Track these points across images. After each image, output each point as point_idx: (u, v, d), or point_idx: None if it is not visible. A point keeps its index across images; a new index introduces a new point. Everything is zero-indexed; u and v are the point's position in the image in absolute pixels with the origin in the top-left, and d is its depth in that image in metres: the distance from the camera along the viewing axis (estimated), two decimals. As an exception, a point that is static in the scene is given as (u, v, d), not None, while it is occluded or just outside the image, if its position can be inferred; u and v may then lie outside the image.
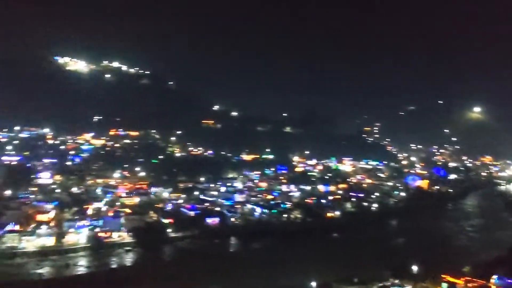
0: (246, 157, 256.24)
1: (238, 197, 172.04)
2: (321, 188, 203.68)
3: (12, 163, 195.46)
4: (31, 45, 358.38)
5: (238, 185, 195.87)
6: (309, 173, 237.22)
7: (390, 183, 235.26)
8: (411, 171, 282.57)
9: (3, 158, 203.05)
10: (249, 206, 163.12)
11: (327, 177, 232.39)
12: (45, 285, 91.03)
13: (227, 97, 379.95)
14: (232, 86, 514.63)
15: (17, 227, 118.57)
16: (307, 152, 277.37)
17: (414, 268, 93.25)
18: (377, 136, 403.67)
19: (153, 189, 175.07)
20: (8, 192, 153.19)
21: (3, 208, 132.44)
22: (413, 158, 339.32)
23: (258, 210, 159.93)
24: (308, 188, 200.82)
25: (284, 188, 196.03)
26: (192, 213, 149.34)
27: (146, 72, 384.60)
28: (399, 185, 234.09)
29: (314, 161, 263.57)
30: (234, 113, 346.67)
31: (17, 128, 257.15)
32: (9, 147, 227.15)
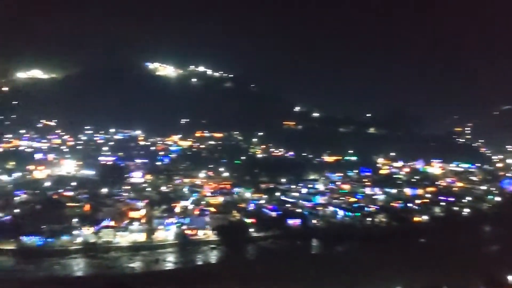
0: (328, 158, 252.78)
1: (320, 199, 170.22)
2: (407, 191, 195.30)
3: (108, 163, 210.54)
4: (125, 53, 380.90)
5: (320, 187, 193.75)
6: (394, 176, 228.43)
7: (483, 187, 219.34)
8: (507, 175, 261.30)
9: (100, 158, 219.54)
10: (331, 208, 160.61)
11: (414, 180, 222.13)
12: (137, 279, 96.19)
13: (309, 98, 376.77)
14: (314, 87, 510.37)
15: (112, 223, 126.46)
16: (392, 154, 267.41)
17: (510, 278, 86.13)
18: (469, 137, 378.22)
19: (236, 189, 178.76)
20: (104, 190, 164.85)
21: (100, 205, 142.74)
22: (509, 161, 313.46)
23: (341, 212, 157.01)
24: (394, 191, 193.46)
25: (367, 190, 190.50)
26: (273, 214, 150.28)
27: (229, 76, 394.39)
28: (494, 189, 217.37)
29: (400, 163, 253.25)
30: (316, 114, 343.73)
31: (112, 130, 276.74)
32: (105, 148, 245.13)
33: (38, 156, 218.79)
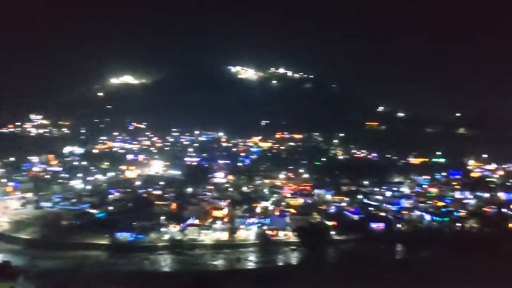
0: (413, 160, 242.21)
1: (405, 203, 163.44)
2: (501, 195, 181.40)
3: (193, 163, 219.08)
4: (209, 58, 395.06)
5: (405, 190, 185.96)
6: (487, 179, 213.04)
7: None
8: None
9: (186, 159, 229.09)
10: (417, 212, 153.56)
11: (510, 184, 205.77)
12: (220, 276, 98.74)
13: (393, 98, 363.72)
14: (398, 86, 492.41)
15: (196, 221, 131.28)
16: (485, 156, 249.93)
17: None
18: None
19: (316, 191, 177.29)
20: (189, 189, 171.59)
21: (186, 204, 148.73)
22: None
23: (427, 217, 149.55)
24: (486, 195, 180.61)
25: (457, 194, 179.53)
26: (355, 217, 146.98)
27: (310, 76, 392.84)
28: None
29: (493, 166, 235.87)
30: (400, 114, 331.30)
31: (197, 132, 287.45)
32: (190, 149, 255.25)
33: (129, 157, 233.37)
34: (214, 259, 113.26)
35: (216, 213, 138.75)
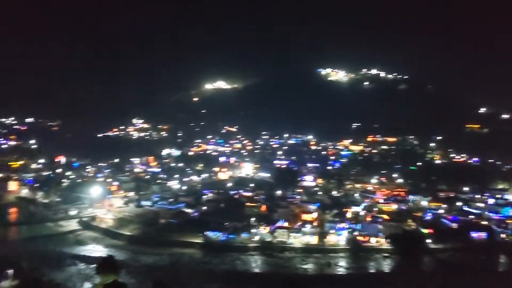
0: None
1: (510, 211, 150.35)
2: None
3: (282, 166, 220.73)
4: (299, 61, 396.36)
5: (510, 197, 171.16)
6: None
7: None
8: None
9: (275, 161, 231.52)
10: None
11: None
12: (310, 280, 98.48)
13: (496, 99, 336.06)
14: (502, 86, 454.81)
15: (286, 224, 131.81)
16: None
17: None
18: None
19: (411, 197, 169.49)
20: (279, 192, 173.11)
21: (275, 206, 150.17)
22: None
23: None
24: None
25: None
26: (454, 225, 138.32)
27: (404, 77, 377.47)
28: None
29: None
30: (505, 116, 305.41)
31: (286, 135, 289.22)
32: (279, 152, 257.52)
33: (222, 159, 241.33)
34: (304, 262, 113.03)
35: (305, 216, 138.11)
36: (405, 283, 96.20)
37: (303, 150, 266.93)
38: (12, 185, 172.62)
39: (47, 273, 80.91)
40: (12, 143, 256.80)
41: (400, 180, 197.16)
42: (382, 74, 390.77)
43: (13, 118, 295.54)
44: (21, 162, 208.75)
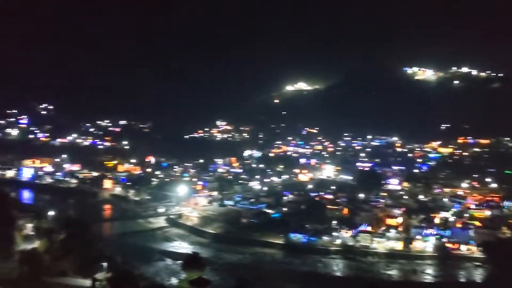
0: None
1: None
2: None
3: (365, 168, 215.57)
4: (383, 60, 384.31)
5: None
6: None
7: None
8: None
9: (358, 164, 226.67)
10: None
11: None
12: (394, 287, 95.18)
13: None
14: None
15: (369, 228, 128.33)
16: None
17: None
18: None
19: (506, 203, 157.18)
20: (361, 195, 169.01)
21: (358, 209, 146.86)
22: None
23: None
24: None
25: None
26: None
27: (498, 75, 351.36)
28: None
29: None
30: None
31: (369, 136, 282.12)
32: (362, 154, 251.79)
33: (302, 160, 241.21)
34: (388, 268, 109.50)
35: (389, 221, 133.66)
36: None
37: (387, 152, 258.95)
38: (107, 183, 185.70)
39: (137, 267, 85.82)
40: (107, 144, 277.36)
41: (493, 185, 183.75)
42: (474, 72, 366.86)
43: (108, 121, 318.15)
44: (115, 162, 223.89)
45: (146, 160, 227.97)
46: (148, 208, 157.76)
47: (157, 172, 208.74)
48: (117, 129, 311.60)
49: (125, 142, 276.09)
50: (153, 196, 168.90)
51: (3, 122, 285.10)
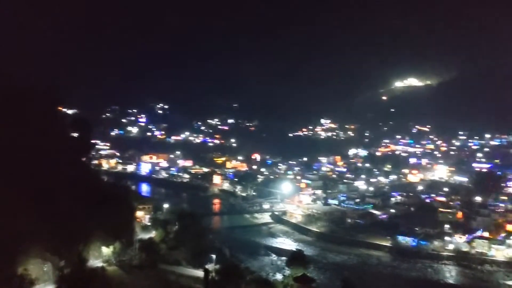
0: None
1: None
2: None
3: (483, 170, 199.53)
4: (499, 54, 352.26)
5: None
6: None
7: None
8: None
9: (474, 164, 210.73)
10: None
11: None
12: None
13: None
14: None
15: (486, 234, 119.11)
16: None
17: None
18: None
19: None
20: (478, 198, 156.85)
21: (473, 214, 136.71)
22: None
23: None
24: None
25: None
26: None
27: None
28: None
29: None
30: None
31: (487, 135, 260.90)
32: (479, 154, 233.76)
33: (412, 160, 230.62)
34: (508, 278, 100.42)
35: (510, 226, 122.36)
36: None
37: (508, 152, 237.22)
38: (216, 179, 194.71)
39: (243, 260, 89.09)
40: (217, 141, 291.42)
41: None
42: None
43: (217, 120, 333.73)
44: (224, 159, 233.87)
45: (252, 157, 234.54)
46: (254, 203, 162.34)
47: (262, 169, 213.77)
48: (226, 128, 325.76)
49: (233, 140, 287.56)
50: (258, 192, 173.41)
51: (125, 120, 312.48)
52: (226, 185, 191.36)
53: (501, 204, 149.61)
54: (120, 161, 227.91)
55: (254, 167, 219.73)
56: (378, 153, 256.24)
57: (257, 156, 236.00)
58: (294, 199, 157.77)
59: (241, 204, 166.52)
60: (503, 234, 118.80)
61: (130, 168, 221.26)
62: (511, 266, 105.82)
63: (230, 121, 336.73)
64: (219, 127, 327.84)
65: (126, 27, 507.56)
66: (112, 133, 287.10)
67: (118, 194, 75.58)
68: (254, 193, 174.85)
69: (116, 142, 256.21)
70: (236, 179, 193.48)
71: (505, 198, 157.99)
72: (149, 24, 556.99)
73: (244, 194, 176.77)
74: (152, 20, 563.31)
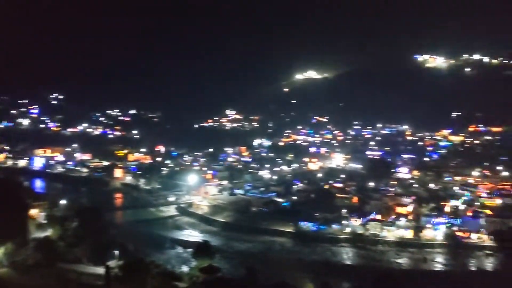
0: None
1: None
2: None
3: (375, 157, 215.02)
4: (392, 48, 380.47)
5: None
6: None
7: None
8: None
9: (367, 152, 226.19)
10: None
11: None
12: (404, 275, 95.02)
13: None
14: None
15: (378, 217, 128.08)
16: None
17: None
18: None
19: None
20: (371, 184, 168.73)
21: (367, 198, 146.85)
22: None
23: None
24: None
25: None
26: None
27: (511, 62, 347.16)
28: None
29: None
30: None
31: (379, 125, 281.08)
32: (372, 143, 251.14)
33: (312, 149, 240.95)
34: (398, 257, 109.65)
35: (399, 209, 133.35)
36: (509, 284, 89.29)
37: (397, 140, 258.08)
38: (118, 172, 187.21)
39: (149, 254, 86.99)
40: (117, 133, 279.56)
41: (505, 173, 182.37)
42: (486, 59, 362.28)
43: (117, 110, 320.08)
44: (125, 151, 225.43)
45: (156, 149, 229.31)
46: (159, 197, 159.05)
47: (167, 162, 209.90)
48: (127, 119, 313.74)
49: (135, 132, 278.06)
50: (163, 185, 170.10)
51: (14, 112, 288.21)
52: (128, 179, 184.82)
53: (391, 189, 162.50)
54: (10, 155, 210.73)
55: (158, 159, 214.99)
56: (281, 143, 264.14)
57: (161, 148, 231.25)
58: (200, 191, 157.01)
59: (145, 197, 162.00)
60: (393, 216, 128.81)
61: (22, 163, 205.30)
62: (401, 245, 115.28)
63: (132, 111, 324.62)
64: (120, 118, 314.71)
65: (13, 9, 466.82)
66: (1, 126, 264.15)
67: (8, 191, 69.83)
68: (158, 186, 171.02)
69: (5, 135, 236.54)
70: (139, 172, 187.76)
71: (395, 183, 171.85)
72: (36, 7, 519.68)
73: (148, 187, 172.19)
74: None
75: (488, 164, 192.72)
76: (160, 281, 61.16)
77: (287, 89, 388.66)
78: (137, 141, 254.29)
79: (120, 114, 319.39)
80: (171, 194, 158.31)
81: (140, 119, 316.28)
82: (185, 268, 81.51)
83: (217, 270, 71.33)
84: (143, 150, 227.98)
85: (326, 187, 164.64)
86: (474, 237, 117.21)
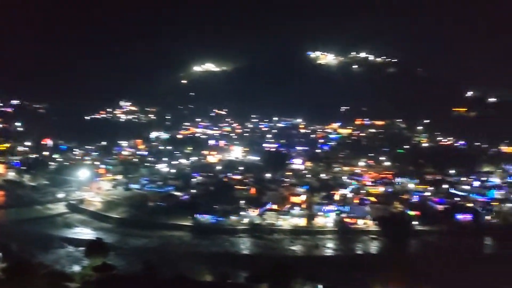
0: (506, 149, 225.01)
1: (496, 194, 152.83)
2: None
3: (271, 149, 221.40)
4: (288, 44, 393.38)
5: (496, 180, 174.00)
6: None
7: None
8: None
9: (265, 145, 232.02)
10: (509, 204, 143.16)
11: None
12: (298, 262, 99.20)
13: (484, 82, 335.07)
14: (490, 70, 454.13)
15: (275, 207, 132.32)
16: None
17: None
18: None
19: (398, 180, 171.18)
20: (268, 175, 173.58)
21: (264, 189, 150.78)
22: None
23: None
24: None
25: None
26: (440, 207, 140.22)
27: (393, 60, 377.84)
28: None
29: None
30: (492, 99, 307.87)
31: (275, 118, 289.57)
32: (269, 135, 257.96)
33: (211, 142, 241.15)
34: (292, 244, 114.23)
35: (294, 199, 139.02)
36: (390, 264, 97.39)
37: (292, 133, 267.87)
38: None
39: (36, 255, 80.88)
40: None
41: (387, 163, 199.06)
42: (371, 57, 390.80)
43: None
44: (8, 145, 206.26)
45: (42, 143, 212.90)
46: (46, 193, 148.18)
47: (55, 156, 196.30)
48: (9, 110, 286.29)
49: (18, 124, 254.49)
50: (51, 181, 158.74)
51: None
52: (11, 175, 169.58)
53: (286, 179, 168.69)
54: None
55: (45, 153, 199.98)
56: (179, 136, 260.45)
57: (48, 142, 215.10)
58: (92, 186, 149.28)
59: (31, 195, 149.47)
60: (288, 206, 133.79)
61: None
62: (295, 233, 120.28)
63: (14, 102, 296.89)
64: (1, 109, 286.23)
65: None
66: None
67: None
68: (46, 182, 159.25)
69: None
70: (24, 168, 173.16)
71: (290, 173, 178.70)
72: None
73: (34, 184, 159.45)
74: None
75: (372, 155, 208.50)
76: (49, 283, 57.18)
77: (185, 81, 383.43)
78: (21, 134, 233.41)
79: (1, 104, 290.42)
80: (60, 190, 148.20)
81: (24, 110, 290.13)
82: (77, 268, 77.20)
83: (112, 268, 68.62)
84: (27, 144, 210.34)
85: (225, 179, 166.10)
86: (360, 222, 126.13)
